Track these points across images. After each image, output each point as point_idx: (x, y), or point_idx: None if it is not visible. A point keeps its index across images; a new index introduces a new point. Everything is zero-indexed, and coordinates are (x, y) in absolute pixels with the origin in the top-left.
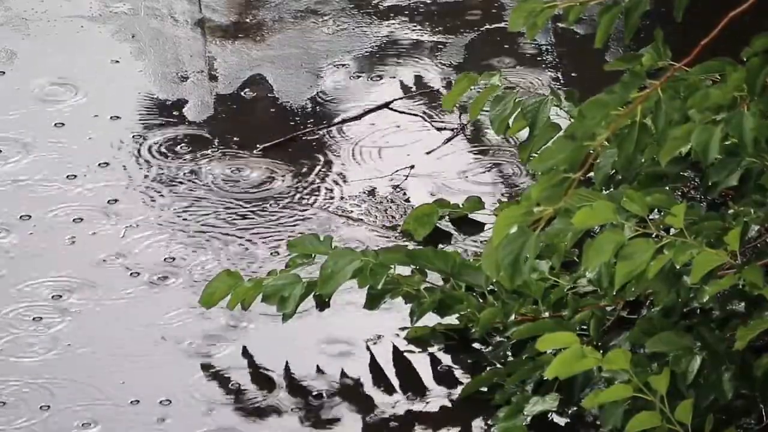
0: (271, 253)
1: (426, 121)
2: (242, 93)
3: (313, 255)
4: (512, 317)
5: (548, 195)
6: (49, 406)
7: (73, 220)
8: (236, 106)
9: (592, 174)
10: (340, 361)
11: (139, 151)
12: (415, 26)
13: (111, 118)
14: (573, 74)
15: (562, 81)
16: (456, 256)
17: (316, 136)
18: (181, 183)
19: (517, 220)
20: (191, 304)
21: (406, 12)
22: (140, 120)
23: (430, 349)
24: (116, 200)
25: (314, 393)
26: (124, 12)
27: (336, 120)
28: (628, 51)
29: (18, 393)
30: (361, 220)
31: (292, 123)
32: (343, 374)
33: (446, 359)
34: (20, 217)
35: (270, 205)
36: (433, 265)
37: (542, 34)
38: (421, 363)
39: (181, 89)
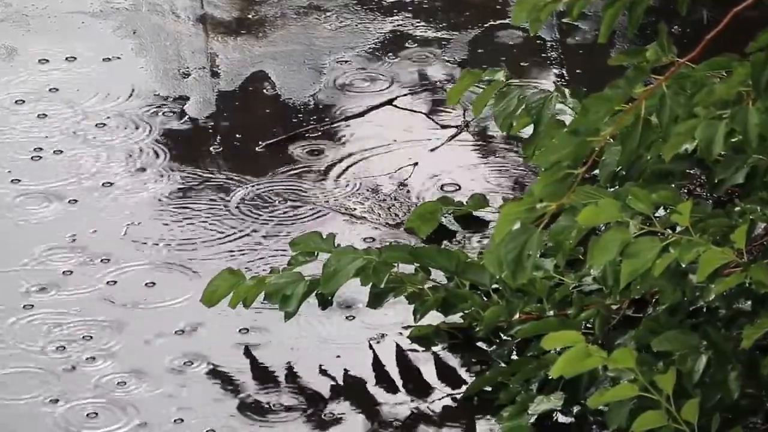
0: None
1: (429, 118)
2: (244, 90)
3: (315, 253)
4: (517, 316)
5: (551, 191)
6: None
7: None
8: (238, 103)
9: (596, 171)
10: (343, 360)
11: (140, 148)
12: (418, 22)
13: (111, 115)
14: (577, 70)
15: (566, 77)
16: (460, 254)
17: (319, 133)
18: (181, 182)
19: (520, 216)
20: (194, 301)
21: (410, 8)
22: (141, 117)
23: (434, 348)
24: (117, 197)
25: (317, 392)
26: (126, 8)
27: (339, 117)
28: (632, 47)
29: None
30: (365, 217)
31: (295, 120)
32: (346, 373)
33: (450, 358)
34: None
35: (273, 203)
36: (437, 263)
37: (546, 29)
38: (424, 362)
39: (183, 86)
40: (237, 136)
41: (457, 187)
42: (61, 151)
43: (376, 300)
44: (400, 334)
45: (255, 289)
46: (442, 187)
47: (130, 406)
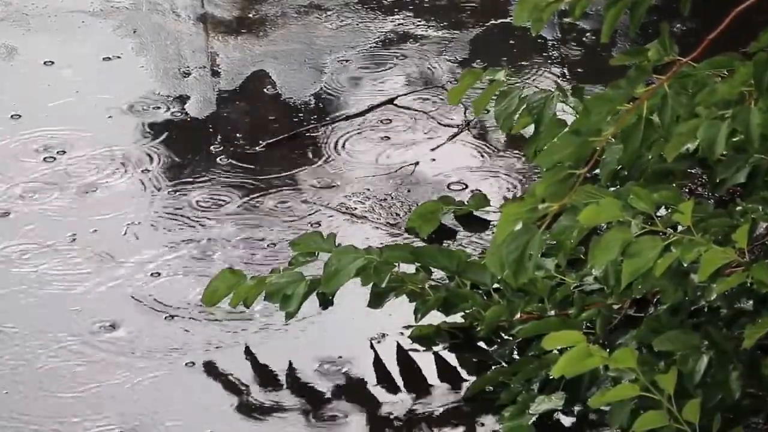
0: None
1: (430, 117)
2: (245, 89)
3: (316, 253)
4: (518, 315)
5: (553, 191)
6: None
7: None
8: (239, 102)
9: (597, 171)
10: (344, 360)
11: (140, 148)
12: (419, 21)
13: (112, 115)
14: (579, 70)
15: (567, 76)
16: (461, 253)
17: (320, 133)
18: (182, 181)
19: (521, 216)
20: (195, 301)
21: (411, 7)
22: (141, 117)
23: (435, 348)
24: (117, 196)
25: (318, 392)
26: (126, 7)
27: (339, 116)
28: (634, 46)
29: None
30: (365, 217)
31: (296, 119)
32: (347, 373)
33: (451, 358)
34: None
35: (273, 202)
36: (438, 263)
37: (548, 28)
38: (425, 362)
39: (183, 85)
40: (237, 135)
41: (459, 187)
42: (64, 152)
43: (376, 300)
44: (401, 333)
45: (255, 289)
46: (449, 186)
47: (128, 407)
